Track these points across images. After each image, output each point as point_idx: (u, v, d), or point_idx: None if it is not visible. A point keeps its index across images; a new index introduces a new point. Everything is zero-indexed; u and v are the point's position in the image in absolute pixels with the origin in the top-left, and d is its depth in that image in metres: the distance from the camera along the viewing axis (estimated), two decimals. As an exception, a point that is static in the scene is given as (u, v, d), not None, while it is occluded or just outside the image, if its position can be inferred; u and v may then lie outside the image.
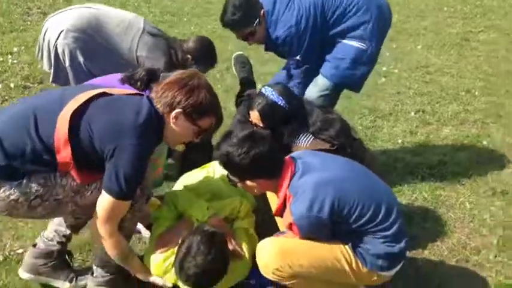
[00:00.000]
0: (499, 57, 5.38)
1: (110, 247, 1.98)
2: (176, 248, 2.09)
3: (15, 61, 4.55)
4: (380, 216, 1.97)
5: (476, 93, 4.50)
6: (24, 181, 1.82)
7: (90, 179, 1.93)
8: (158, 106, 1.92)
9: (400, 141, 3.69)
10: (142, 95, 1.97)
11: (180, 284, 2.12)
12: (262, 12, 2.85)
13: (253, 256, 2.18)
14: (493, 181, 3.20)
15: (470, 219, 2.86)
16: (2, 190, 1.80)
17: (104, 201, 1.87)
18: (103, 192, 1.87)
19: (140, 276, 2.14)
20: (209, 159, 2.68)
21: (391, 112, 4.15)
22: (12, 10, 5.94)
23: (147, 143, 1.87)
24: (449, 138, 3.74)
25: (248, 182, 2.05)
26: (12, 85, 4.09)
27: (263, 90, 2.53)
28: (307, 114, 2.51)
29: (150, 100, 1.93)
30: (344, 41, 2.89)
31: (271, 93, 2.47)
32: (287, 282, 2.07)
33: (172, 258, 2.10)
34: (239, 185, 2.10)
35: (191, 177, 2.57)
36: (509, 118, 4.03)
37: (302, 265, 2.00)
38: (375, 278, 2.07)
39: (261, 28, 2.87)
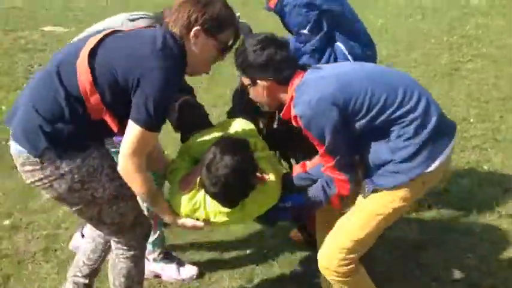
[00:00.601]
0: (489, 84, 5.55)
1: (138, 184, 1.92)
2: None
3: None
4: (398, 99, 1.92)
5: (472, 120, 4.64)
6: (78, 160, 1.86)
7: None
8: (175, 30, 1.90)
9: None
10: (154, 27, 1.99)
11: (211, 214, 2.07)
12: None
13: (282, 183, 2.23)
14: (498, 205, 3.29)
15: (482, 243, 2.94)
16: (56, 162, 1.84)
17: (132, 132, 1.82)
18: (130, 123, 1.82)
19: (169, 220, 2.10)
20: (205, 118, 2.64)
21: (392, 144, 4.26)
22: (14, 69, 6.12)
23: (172, 66, 1.82)
24: (452, 166, 3.85)
25: (259, 82, 2.06)
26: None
27: None
28: None
29: (164, 28, 1.93)
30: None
31: None
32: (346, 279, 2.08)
33: (198, 197, 2.07)
34: (251, 89, 2.11)
35: (199, 137, 2.41)
36: (507, 142, 4.16)
37: (351, 247, 2.04)
38: (430, 177, 1.97)
39: None
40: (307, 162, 2.27)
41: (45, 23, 8.28)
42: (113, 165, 2.00)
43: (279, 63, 2.03)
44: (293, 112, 1.96)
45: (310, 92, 1.93)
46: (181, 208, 2.08)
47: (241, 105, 2.64)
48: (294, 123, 2.00)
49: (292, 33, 3.01)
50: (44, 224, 3.15)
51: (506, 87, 5.42)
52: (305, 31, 2.81)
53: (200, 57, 1.96)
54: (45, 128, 1.82)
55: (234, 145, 2.05)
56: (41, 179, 1.88)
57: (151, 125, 1.82)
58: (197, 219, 2.09)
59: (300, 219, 2.22)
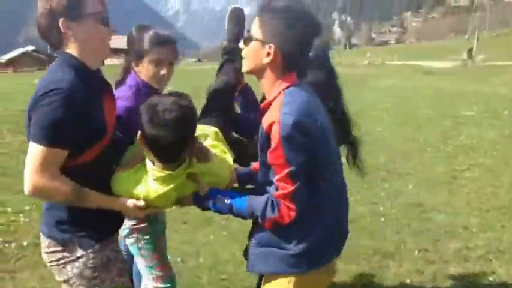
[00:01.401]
0: (488, 193, 5.66)
1: (55, 192, 1.80)
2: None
3: (27, 219, 4.69)
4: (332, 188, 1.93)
5: (474, 229, 4.66)
6: (96, 246, 1.93)
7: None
8: (53, 42, 1.86)
9: (408, 281, 3.75)
10: None
11: (151, 184, 1.93)
12: None
13: None
14: (508, 319, 3.23)
15: None
16: (76, 246, 1.91)
17: (30, 150, 1.77)
18: (30, 144, 1.78)
19: (107, 206, 1.94)
20: None
21: (395, 252, 4.25)
22: (21, 170, 6.18)
23: (59, 80, 1.76)
24: (456, 277, 3.81)
25: (267, 48, 1.82)
26: (25, 243, 4.18)
27: None
28: None
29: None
30: None
31: None
32: None
33: (139, 172, 1.95)
34: (251, 44, 1.87)
35: None
36: (510, 253, 4.15)
37: None
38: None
39: None
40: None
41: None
42: (124, 259, 2.06)
43: (298, 40, 1.83)
44: (277, 117, 1.76)
45: (300, 107, 1.79)
46: (122, 184, 1.97)
47: (217, 104, 2.68)
48: (263, 127, 1.82)
49: None
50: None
51: (504, 197, 5.53)
52: None
53: (87, 42, 1.87)
54: (61, 219, 1.92)
55: (176, 92, 1.95)
56: (58, 259, 1.94)
57: (50, 141, 1.75)
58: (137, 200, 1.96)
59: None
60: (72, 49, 1.86)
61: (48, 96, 1.73)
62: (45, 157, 1.76)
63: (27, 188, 1.80)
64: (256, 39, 1.85)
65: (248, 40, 1.89)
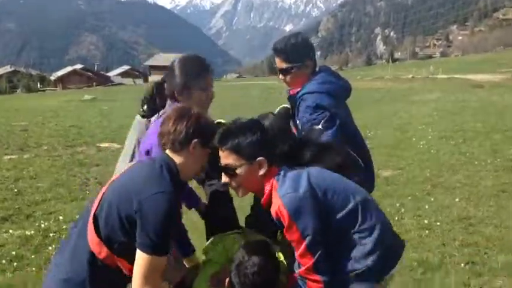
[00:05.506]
0: (541, 207, 5.45)
1: None
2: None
3: (76, 228, 4.87)
4: (360, 215, 1.97)
5: (525, 241, 4.51)
6: None
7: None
8: (168, 148, 2.04)
9: (454, 293, 3.67)
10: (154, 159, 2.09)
11: None
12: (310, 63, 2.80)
13: None
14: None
15: None
16: None
17: (140, 259, 1.89)
18: (137, 252, 1.90)
19: None
20: (233, 211, 2.76)
21: (440, 264, 4.16)
22: (71, 181, 6.48)
23: (166, 191, 1.90)
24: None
25: (255, 164, 2.00)
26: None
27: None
28: None
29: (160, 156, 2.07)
30: None
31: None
32: None
33: None
34: (245, 168, 2.02)
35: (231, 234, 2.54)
36: None
37: None
38: None
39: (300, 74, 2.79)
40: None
41: (102, 139, 8.88)
42: None
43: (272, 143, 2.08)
44: (278, 202, 1.93)
45: (290, 182, 1.96)
46: None
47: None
48: (273, 215, 1.96)
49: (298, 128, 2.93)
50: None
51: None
52: (319, 127, 2.78)
53: (192, 165, 2.08)
54: (69, 277, 1.96)
55: (259, 246, 2.14)
56: None
57: (157, 250, 1.88)
58: None
59: None
60: (180, 159, 2.04)
61: (154, 201, 1.87)
62: (151, 264, 1.89)
63: None
64: (243, 164, 2.00)
65: (232, 170, 2.01)
